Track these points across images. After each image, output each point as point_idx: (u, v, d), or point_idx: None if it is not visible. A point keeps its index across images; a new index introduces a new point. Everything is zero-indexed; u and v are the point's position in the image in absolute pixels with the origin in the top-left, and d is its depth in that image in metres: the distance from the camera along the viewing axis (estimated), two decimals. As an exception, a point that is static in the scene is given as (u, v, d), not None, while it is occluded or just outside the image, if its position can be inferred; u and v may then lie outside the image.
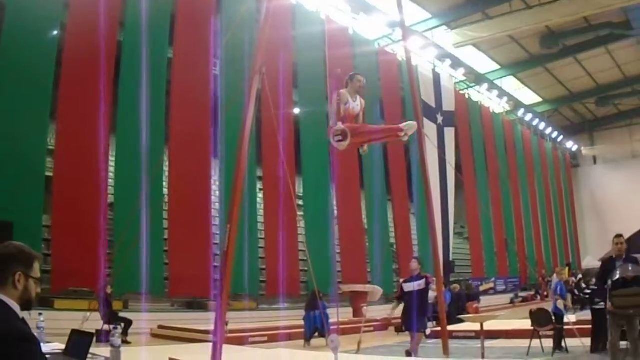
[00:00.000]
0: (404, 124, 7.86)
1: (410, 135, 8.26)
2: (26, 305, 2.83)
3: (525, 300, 33.15)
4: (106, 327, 13.42)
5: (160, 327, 16.53)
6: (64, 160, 16.79)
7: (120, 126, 18.25)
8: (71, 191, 16.32)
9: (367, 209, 26.30)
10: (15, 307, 2.74)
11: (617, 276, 8.43)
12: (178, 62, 19.69)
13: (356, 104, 8.09)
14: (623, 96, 43.00)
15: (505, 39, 32.10)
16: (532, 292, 35.24)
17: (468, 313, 19.04)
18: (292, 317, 18.54)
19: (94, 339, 5.57)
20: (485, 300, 27.18)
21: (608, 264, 9.07)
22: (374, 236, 25.59)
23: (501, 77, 37.82)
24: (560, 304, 12.60)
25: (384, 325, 19.69)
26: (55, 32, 17.03)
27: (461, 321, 15.99)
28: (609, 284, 8.46)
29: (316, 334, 15.91)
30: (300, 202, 23.30)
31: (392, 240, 28.06)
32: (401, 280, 12.23)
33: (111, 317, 14.05)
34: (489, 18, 29.27)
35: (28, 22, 16.02)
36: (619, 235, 8.97)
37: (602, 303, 9.26)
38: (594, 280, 32.08)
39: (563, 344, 12.24)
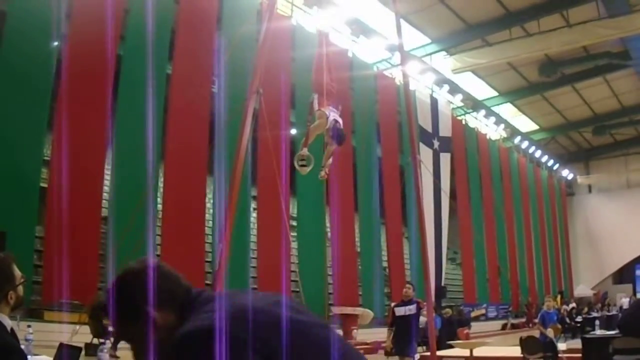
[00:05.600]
0: None
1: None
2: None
3: (516, 327, 33.10)
4: (95, 340, 13.40)
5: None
6: (60, 171, 16.77)
7: (117, 140, 18.26)
8: (65, 203, 16.29)
9: (361, 231, 26.30)
10: (5, 319, 2.76)
11: None
12: (177, 78, 19.73)
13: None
14: (620, 126, 43.20)
15: (504, 66, 32.25)
16: (524, 319, 35.19)
17: (459, 339, 19.03)
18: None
19: (83, 352, 5.55)
20: (476, 327, 27.12)
21: None
22: (366, 259, 25.59)
23: (499, 104, 37.93)
24: (550, 332, 12.62)
25: (373, 348, 19.67)
26: (56, 43, 17.07)
27: (451, 346, 15.99)
28: None
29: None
30: (294, 223, 23.30)
31: (385, 264, 28.04)
32: (392, 305, 12.25)
33: (101, 331, 13.99)
34: (488, 45, 29.45)
35: (28, 31, 16.06)
36: None
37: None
38: (586, 308, 32.23)
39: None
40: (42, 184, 16.86)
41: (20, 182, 15.53)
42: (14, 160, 15.30)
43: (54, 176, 16.94)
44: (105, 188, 18.58)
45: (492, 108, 37.50)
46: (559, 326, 15.42)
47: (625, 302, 32.15)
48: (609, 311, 30.17)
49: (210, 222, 21.98)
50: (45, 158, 17.64)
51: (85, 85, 16.94)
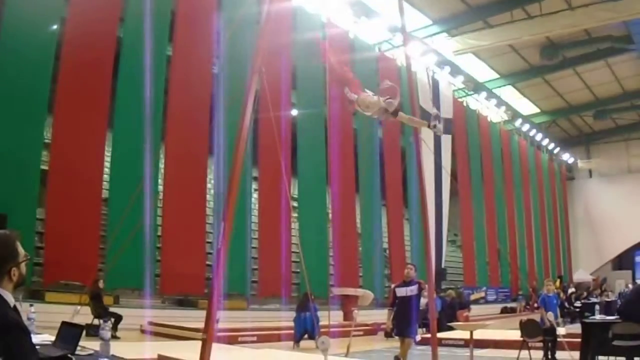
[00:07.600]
0: None
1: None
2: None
3: (515, 310, 33.13)
4: (96, 321, 13.47)
5: (150, 323, 16.50)
6: (60, 153, 16.78)
7: (117, 122, 18.24)
8: (66, 185, 16.30)
9: (362, 213, 26.31)
10: (8, 296, 2.75)
11: None
12: (177, 59, 19.68)
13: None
14: (621, 110, 42.99)
15: (506, 48, 32.14)
16: (523, 303, 35.22)
17: (458, 321, 19.06)
18: (283, 317, 18.53)
19: (84, 331, 5.55)
20: (475, 310, 27.17)
21: None
22: (367, 240, 25.61)
23: (500, 87, 37.77)
24: (550, 315, 12.62)
25: (373, 329, 19.72)
26: (55, 26, 16.99)
27: (451, 329, 16.01)
28: None
29: (305, 336, 15.90)
30: (295, 204, 23.31)
31: (385, 245, 28.07)
32: (393, 286, 12.25)
33: (102, 312, 14.07)
34: (489, 27, 29.29)
35: (28, 15, 16.00)
36: None
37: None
38: (585, 293, 32.23)
39: (550, 356, 12.26)
40: (43, 166, 16.85)
41: (21, 165, 15.52)
42: (14, 142, 15.27)
43: (54, 158, 16.94)
44: (106, 170, 18.57)
45: (493, 90, 37.38)
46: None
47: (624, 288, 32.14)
48: (607, 297, 30.14)
49: (211, 202, 21.99)
50: (46, 140, 17.60)
51: (85, 68, 16.91)
